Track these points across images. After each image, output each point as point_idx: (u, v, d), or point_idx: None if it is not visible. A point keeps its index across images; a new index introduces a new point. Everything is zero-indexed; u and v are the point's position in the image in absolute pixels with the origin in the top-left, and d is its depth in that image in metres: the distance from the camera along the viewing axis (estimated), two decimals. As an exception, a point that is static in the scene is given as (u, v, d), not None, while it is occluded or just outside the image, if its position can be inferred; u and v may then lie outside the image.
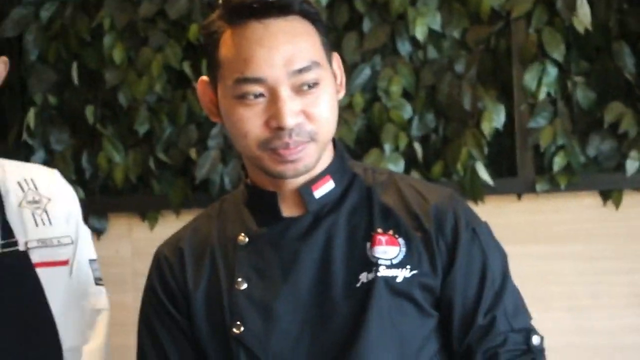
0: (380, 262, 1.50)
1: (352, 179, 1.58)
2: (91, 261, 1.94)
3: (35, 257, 1.84)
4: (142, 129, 3.28)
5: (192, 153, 3.24)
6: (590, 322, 3.00)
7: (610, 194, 3.02)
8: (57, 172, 2.00)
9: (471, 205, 2.00)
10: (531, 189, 3.06)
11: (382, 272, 1.49)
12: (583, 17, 2.98)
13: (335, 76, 1.55)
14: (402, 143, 3.10)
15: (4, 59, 1.88)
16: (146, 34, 3.31)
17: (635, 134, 3.00)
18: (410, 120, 3.12)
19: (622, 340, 2.99)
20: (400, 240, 1.52)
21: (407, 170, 3.09)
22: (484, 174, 3.05)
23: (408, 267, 1.50)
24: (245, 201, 1.60)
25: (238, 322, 1.52)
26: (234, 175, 3.20)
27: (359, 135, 3.13)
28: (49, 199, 1.91)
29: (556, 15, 3.05)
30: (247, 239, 1.56)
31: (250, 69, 1.46)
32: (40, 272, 1.83)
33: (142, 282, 1.66)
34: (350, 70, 3.10)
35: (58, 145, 3.36)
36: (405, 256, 1.51)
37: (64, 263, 1.88)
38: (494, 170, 3.10)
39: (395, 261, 1.50)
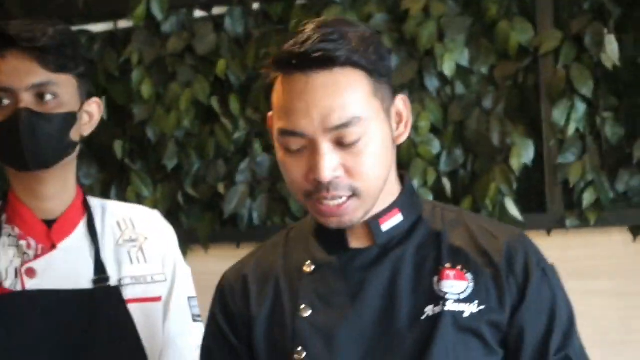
0: (447, 296, 1.48)
1: (420, 214, 1.57)
2: (190, 298, 1.94)
3: (128, 293, 1.85)
4: (170, 163, 3.29)
5: (220, 188, 3.25)
6: (621, 358, 2.99)
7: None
8: (157, 212, 2.02)
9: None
10: (561, 225, 3.07)
11: (449, 306, 1.48)
12: (611, 53, 2.99)
13: (400, 118, 1.54)
14: (431, 178, 3.10)
15: (98, 100, 1.89)
16: (174, 69, 3.33)
17: (664, 169, 3.02)
18: (438, 156, 3.13)
19: (653, 376, 2.98)
20: (469, 276, 1.50)
21: (434, 206, 3.09)
22: (513, 210, 3.05)
23: (476, 302, 1.48)
24: (313, 231, 1.59)
25: (300, 348, 1.51)
26: (262, 209, 3.21)
27: (387, 170, 3.13)
28: (146, 238, 1.92)
29: (584, 52, 3.06)
30: (313, 267, 1.56)
31: (291, 122, 1.46)
32: (132, 308, 1.84)
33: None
34: (378, 106, 3.10)
35: (86, 179, 3.37)
36: (473, 291, 1.49)
37: (157, 299, 1.89)
38: (523, 206, 3.10)
39: (462, 296, 1.48)
